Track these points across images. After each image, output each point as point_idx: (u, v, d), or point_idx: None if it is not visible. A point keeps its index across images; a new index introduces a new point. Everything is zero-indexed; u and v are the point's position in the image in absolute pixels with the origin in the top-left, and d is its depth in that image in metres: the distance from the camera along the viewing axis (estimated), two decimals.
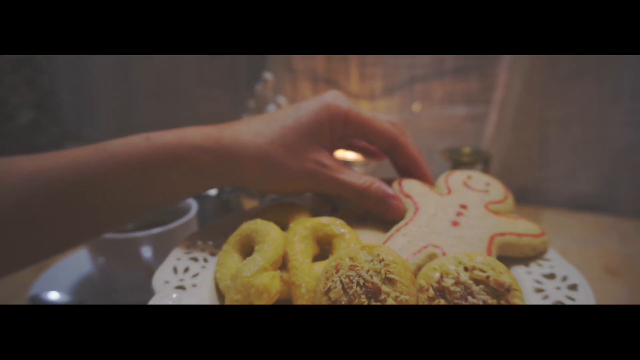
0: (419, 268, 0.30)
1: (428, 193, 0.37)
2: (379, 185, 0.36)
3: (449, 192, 0.38)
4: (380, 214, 0.36)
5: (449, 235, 0.33)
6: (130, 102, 1.06)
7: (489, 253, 0.32)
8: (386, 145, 0.37)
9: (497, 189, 0.39)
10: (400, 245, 0.32)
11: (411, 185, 0.38)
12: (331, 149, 0.37)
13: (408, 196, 0.36)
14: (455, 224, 0.34)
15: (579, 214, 0.75)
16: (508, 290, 0.25)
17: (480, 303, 0.25)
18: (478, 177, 0.40)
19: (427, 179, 0.39)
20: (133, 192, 0.33)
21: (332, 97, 0.35)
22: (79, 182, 0.31)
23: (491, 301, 0.25)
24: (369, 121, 0.36)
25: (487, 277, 0.26)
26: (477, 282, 0.26)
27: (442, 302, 0.25)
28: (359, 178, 0.36)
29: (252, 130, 0.34)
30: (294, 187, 0.36)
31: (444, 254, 0.31)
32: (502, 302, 0.25)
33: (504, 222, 0.35)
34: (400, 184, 0.38)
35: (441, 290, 0.26)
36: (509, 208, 0.37)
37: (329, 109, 0.35)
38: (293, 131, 0.34)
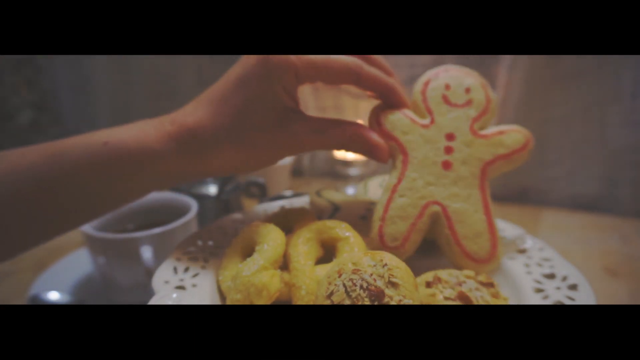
0: (424, 233, 0.33)
1: (411, 127, 0.35)
2: (358, 134, 0.34)
3: (432, 118, 0.35)
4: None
5: (443, 183, 0.34)
6: (130, 102, 1.06)
7: (483, 187, 0.34)
8: (351, 81, 0.34)
9: (478, 94, 0.36)
10: (401, 208, 0.34)
11: (391, 121, 0.35)
12: (294, 100, 0.34)
13: (391, 137, 0.35)
14: (446, 166, 0.34)
15: (579, 214, 0.75)
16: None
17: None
18: (456, 85, 0.37)
19: (404, 103, 0.36)
20: (93, 195, 0.33)
21: (265, 62, 0.32)
22: (33, 189, 0.31)
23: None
24: (324, 63, 0.33)
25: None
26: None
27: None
28: (334, 132, 0.34)
29: (212, 119, 0.33)
30: (268, 161, 0.35)
31: (444, 211, 0.34)
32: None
33: (492, 145, 0.35)
34: (379, 122, 0.35)
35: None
36: (493, 114, 0.36)
37: (270, 78, 0.32)
38: (249, 110, 0.32)
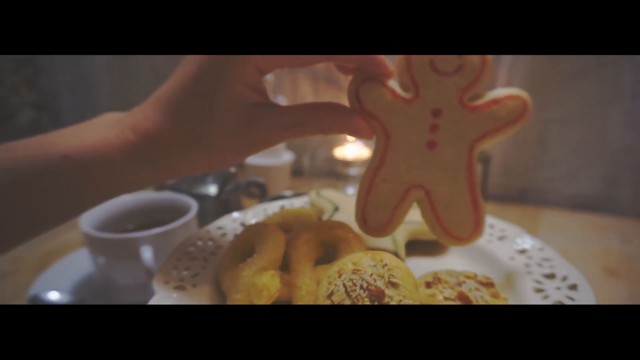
0: (407, 213, 0.33)
1: (394, 105, 0.31)
2: (337, 120, 0.31)
3: (416, 91, 0.31)
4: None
5: (428, 165, 0.32)
6: (130, 102, 1.06)
7: (469, 165, 0.31)
8: (323, 59, 0.31)
9: (469, 61, 0.31)
10: (384, 195, 0.33)
11: (372, 97, 0.31)
12: (261, 94, 0.31)
13: (372, 115, 0.31)
14: (431, 145, 0.31)
15: (579, 214, 0.75)
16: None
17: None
18: None
19: (385, 70, 0.31)
20: (52, 206, 0.31)
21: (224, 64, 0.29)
22: None
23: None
24: (291, 57, 0.30)
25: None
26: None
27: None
28: (310, 124, 0.31)
29: (173, 126, 0.30)
30: (241, 159, 0.32)
31: (428, 195, 0.32)
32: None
33: (483, 119, 0.31)
34: (359, 99, 0.31)
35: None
36: (486, 81, 0.31)
37: (228, 76, 0.29)
38: (212, 113, 0.30)
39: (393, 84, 0.32)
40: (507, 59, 0.74)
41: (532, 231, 0.63)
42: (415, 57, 0.31)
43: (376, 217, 0.33)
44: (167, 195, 0.57)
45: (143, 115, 0.31)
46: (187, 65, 0.30)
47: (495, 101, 0.31)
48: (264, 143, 0.31)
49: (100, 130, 0.31)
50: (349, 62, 0.31)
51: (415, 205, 0.34)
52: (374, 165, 0.32)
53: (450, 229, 0.33)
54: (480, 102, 0.31)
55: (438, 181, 0.32)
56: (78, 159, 0.30)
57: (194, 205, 0.53)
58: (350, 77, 0.32)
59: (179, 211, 0.54)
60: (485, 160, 0.68)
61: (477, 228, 0.33)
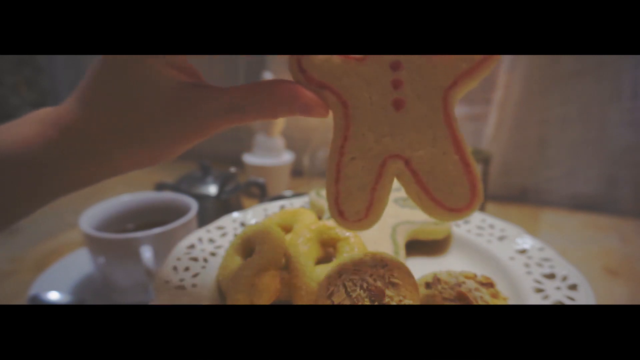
0: (389, 191, 0.28)
1: (344, 67, 0.27)
2: (284, 99, 0.26)
3: None
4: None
5: (400, 129, 0.27)
6: None
7: (448, 119, 0.27)
8: None
9: None
10: (354, 176, 0.28)
11: (317, 63, 0.27)
12: (191, 73, 0.28)
13: (322, 85, 0.27)
14: (398, 104, 0.27)
15: (579, 214, 0.75)
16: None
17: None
18: None
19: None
20: None
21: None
22: None
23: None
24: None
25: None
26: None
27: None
28: (254, 107, 0.26)
29: (98, 121, 0.27)
30: (181, 150, 0.29)
31: (408, 164, 0.27)
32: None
33: (451, 63, 0.27)
34: (302, 69, 0.28)
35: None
36: None
37: (152, 64, 0.26)
38: (135, 101, 0.26)
39: None
40: (507, 59, 0.74)
41: (532, 231, 0.63)
42: None
43: (353, 204, 0.28)
44: (167, 195, 0.57)
45: (65, 108, 0.28)
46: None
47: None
48: (201, 131, 0.27)
49: (24, 128, 0.28)
50: None
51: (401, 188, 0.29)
52: (338, 144, 0.28)
53: (442, 200, 0.28)
54: None
55: (415, 145, 0.27)
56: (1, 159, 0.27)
57: (194, 205, 0.53)
58: None
59: (179, 211, 0.54)
60: (485, 160, 0.68)
61: (474, 192, 0.27)
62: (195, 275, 0.34)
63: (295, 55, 0.28)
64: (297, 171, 0.90)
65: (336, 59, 0.27)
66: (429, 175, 0.27)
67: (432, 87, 0.27)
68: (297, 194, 0.64)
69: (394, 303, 0.25)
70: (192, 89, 0.26)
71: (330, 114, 0.28)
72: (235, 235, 0.39)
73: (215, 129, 0.27)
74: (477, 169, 0.28)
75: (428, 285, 0.31)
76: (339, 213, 0.28)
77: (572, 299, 0.31)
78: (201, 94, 0.26)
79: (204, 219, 0.59)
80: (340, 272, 0.27)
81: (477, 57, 0.27)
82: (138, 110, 0.26)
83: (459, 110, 0.82)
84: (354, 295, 0.25)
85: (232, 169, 0.71)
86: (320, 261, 0.34)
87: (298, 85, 0.27)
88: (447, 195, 0.27)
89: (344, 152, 0.28)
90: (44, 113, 0.29)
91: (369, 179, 0.28)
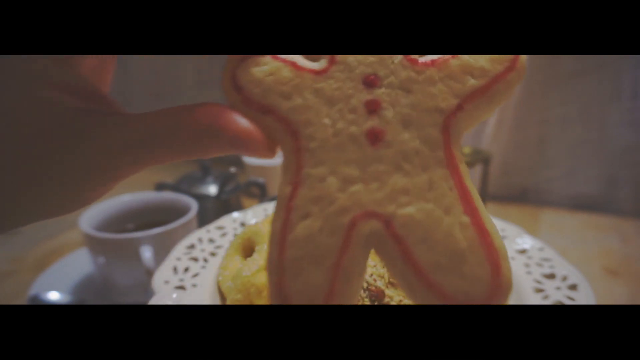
0: (363, 272, 0.19)
1: (296, 81, 0.19)
2: (204, 129, 0.18)
3: (331, 58, 0.20)
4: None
5: (377, 174, 0.18)
6: (130, 102, 1.06)
7: (451, 160, 0.18)
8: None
9: None
10: (308, 241, 0.18)
11: (259, 79, 0.19)
12: (90, 94, 0.22)
13: (265, 109, 0.19)
14: (374, 135, 0.18)
15: (579, 214, 0.75)
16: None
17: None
18: None
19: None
20: None
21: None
22: None
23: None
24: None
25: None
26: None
27: None
28: (172, 140, 0.19)
29: None
30: (83, 202, 0.21)
31: (389, 227, 0.18)
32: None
33: (452, 76, 0.19)
34: (238, 87, 0.19)
35: None
36: None
37: (22, 71, 0.21)
38: (13, 133, 0.19)
39: (292, 54, 0.20)
40: None
41: (532, 231, 0.63)
42: None
43: (305, 288, 0.19)
44: (167, 195, 0.57)
45: None
46: None
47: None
48: (104, 174, 0.19)
49: None
50: None
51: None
52: (285, 193, 0.19)
53: (443, 285, 0.18)
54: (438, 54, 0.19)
55: (400, 197, 0.18)
56: None
57: (194, 205, 0.53)
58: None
59: (179, 211, 0.54)
60: (485, 160, 0.68)
61: (496, 276, 0.18)
62: (195, 275, 0.34)
63: (229, 66, 0.20)
64: None
65: (286, 70, 0.19)
66: (422, 245, 0.18)
67: (426, 111, 0.19)
68: None
69: (394, 303, 0.25)
70: (89, 115, 0.19)
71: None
72: (235, 235, 0.39)
73: (122, 169, 0.19)
74: (499, 238, 0.19)
75: None
76: (282, 296, 0.19)
77: (572, 299, 0.31)
78: (102, 120, 0.19)
79: (204, 219, 0.59)
80: None
81: (488, 72, 0.19)
82: (15, 143, 0.19)
83: None
84: None
85: (232, 169, 0.71)
86: None
87: (228, 110, 0.19)
88: (451, 279, 0.18)
89: (292, 205, 0.18)
90: None
91: (330, 248, 0.18)
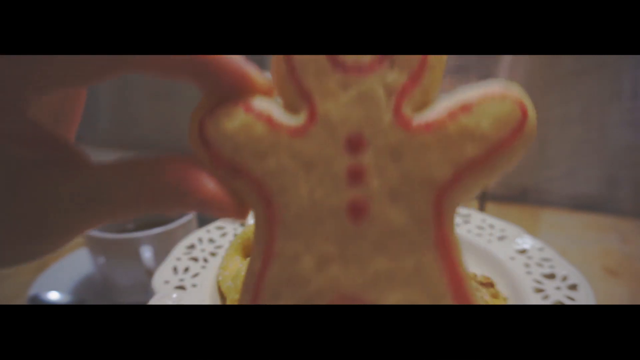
0: None
1: (271, 140, 0.17)
2: (167, 187, 0.17)
3: (311, 109, 0.17)
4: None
5: (358, 254, 0.17)
6: (130, 102, 1.06)
7: (441, 239, 0.17)
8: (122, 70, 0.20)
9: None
10: None
11: (231, 135, 0.17)
12: (46, 139, 0.19)
13: (235, 169, 0.17)
14: (357, 210, 0.16)
15: (579, 214, 0.75)
16: None
17: None
18: None
19: (247, 81, 0.18)
20: None
21: None
22: None
23: None
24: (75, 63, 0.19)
25: None
26: None
27: None
28: (133, 200, 0.17)
29: None
30: (30, 255, 0.20)
31: None
32: None
33: (448, 141, 0.16)
34: (205, 141, 0.17)
35: None
36: (436, 77, 0.18)
37: None
38: None
39: (267, 105, 0.17)
40: (507, 59, 0.74)
41: (532, 231, 0.63)
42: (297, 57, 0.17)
43: None
44: None
45: None
46: None
47: (465, 107, 0.17)
48: (57, 230, 0.18)
49: None
50: (172, 72, 0.18)
51: None
52: (255, 268, 0.18)
53: None
54: (433, 115, 0.17)
55: (383, 282, 0.17)
56: None
57: None
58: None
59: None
60: None
61: None
62: (195, 275, 0.34)
63: (196, 115, 0.18)
64: None
65: (259, 126, 0.17)
66: None
67: (417, 182, 0.16)
68: None
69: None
70: (40, 168, 0.17)
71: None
72: (235, 235, 0.39)
73: (72, 232, 0.18)
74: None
75: None
76: None
77: (572, 299, 0.31)
78: (49, 174, 0.17)
79: (204, 219, 0.59)
80: None
81: (490, 137, 0.16)
82: None
83: None
84: None
85: None
86: None
87: (196, 171, 0.17)
88: None
89: (262, 285, 0.17)
90: None
91: None
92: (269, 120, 0.17)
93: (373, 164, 0.16)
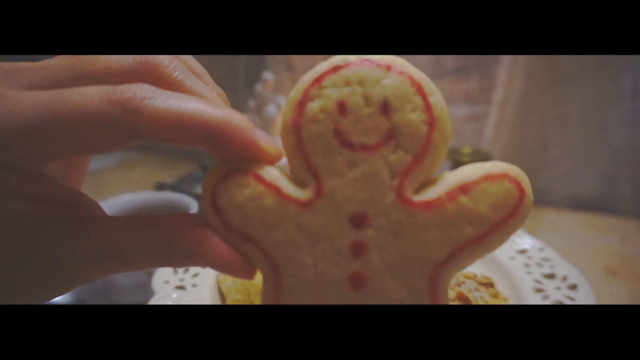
0: None
1: (280, 213, 0.18)
2: (180, 245, 0.18)
3: (318, 185, 0.18)
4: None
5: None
6: None
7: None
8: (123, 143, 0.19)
9: (406, 111, 0.18)
10: None
11: (239, 203, 0.18)
12: (58, 196, 0.19)
13: (244, 235, 0.18)
14: (358, 280, 0.18)
15: (579, 214, 0.75)
16: None
17: None
18: (359, 101, 0.18)
19: (257, 151, 0.18)
20: None
21: None
22: None
23: None
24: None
25: None
26: None
27: None
28: (138, 247, 0.18)
29: None
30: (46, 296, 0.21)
31: None
32: None
33: (447, 223, 0.18)
34: (217, 208, 0.18)
35: None
36: (445, 145, 0.18)
37: None
38: None
39: (277, 176, 0.18)
40: (507, 59, 0.74)
41: (532, 231, 0.63)
42: (308, 119, 0.18)
43: None
44: (167, 195, 0.57)
45: None
46: None
47: (464, 188, 0.18)
48: (68, 281, 0.20)
49: None
50: (184, 140, 0.17)
51: None
52: None
53: None
54: (435, 194, 0.18)
55: None
56: None
57: (194, 205, 0.53)
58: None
59: (178, 211, 0.54)
60: (485, 160, 0.68)
61: None
62: (195, 275, 0.34)
63: (209, 182, 0.18)
64: None
65: (269, 197, 0.18)
66: None
67: (415, 259, 0.18)
68: None
69: None
70: (49, 223, 0.18)
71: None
72: None
73: (83, 281, 0.19)
74: None
75: None
76: None
77: (572, 299, 0.31)
78: (61, 230, 0.18)
79: None
80: None
81: (487, 219, 0.17)
82: None
83: (459, 111, 0.82)
84: None
85: None
86: None
87: (208, 234, 0.18)
88: None
89: None
90: None
91: None
92: (277, 191, 0.18)
93: (375, 240, 0.18)
